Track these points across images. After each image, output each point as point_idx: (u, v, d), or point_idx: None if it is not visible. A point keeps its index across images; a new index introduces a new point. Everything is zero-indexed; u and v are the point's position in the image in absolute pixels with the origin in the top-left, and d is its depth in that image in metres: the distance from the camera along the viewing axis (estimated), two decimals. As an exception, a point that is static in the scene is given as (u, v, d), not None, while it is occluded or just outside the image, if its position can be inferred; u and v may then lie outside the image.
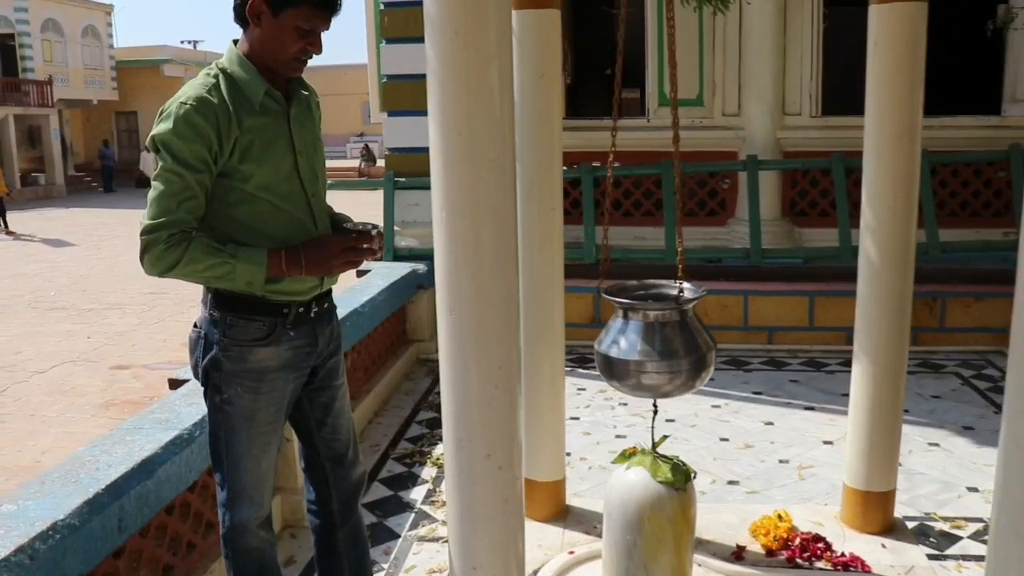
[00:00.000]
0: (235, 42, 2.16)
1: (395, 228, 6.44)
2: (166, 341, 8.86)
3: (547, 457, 3.20)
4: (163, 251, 1.96)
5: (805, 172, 6.58)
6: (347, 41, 20.99)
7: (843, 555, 2.90)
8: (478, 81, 1.70)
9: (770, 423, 5.00)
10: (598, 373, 2.59)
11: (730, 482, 4.19)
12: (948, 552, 3.28)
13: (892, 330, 2.92)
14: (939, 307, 6.23)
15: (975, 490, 4.07)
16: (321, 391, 2.32)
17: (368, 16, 7.23)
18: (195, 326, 2.21)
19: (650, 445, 2.57)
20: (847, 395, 5.57)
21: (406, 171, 6.47)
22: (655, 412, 2.53)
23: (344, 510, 2.39)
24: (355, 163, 33.23)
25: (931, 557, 3.11)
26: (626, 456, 2.56)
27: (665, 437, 2.60)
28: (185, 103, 1.99)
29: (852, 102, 6.82)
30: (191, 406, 3.11)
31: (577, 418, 5.03)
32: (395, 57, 6.31)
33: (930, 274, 6.09)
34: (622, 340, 2.42)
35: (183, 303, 10.43)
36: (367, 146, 33.16)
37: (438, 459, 4.45)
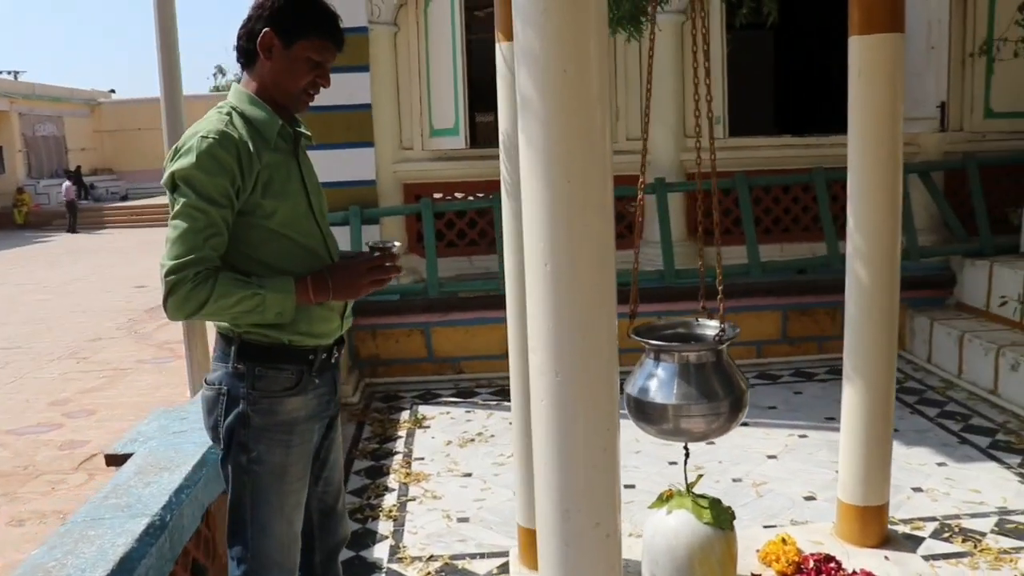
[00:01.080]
0: (237, 82, 2.13)
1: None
2: (29, 402, 8.05)
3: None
4: (190, 291, 1.89)
5: (708, 193, 6.73)
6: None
7: (854, 572, 2.92)
8: (587, 123, 1.57)
9: (711, 442, 5.04)
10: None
11: (693, 506, 4.20)
12: (919, 554, 3.37)
13: (883, 347, 2.98)
14: (840, 316, 6.50)
15: (919, 490, 4.24)
16: (323, 442, 2.25)
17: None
18: (210, 384, 2.11)
19: (663, 486, 2.49)
20: (774, 407, 5.88)
21: (310, 207, 6.16)
22: (687, 455, 2.46)
23: (326, 563, 2.34)
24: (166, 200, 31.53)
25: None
26: (664, 500, 2.47)
27: (700, 476, 2.53)
28: (207, 137, 1.93)
29: (754, 123, 7.15)
30: (149, 486, 2.77)
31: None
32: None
33: (831, 285, 6.37)
34: (656, 383, 2.33)
35: (40, 359, 9.55)
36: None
37: (391, 511, 4.23)
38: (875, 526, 3.11)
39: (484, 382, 6.35)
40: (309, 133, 2.22)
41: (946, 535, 3.75)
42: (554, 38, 1.54)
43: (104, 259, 19.22)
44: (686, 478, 2.48)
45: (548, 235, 1.59)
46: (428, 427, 5.51)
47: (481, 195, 6.49)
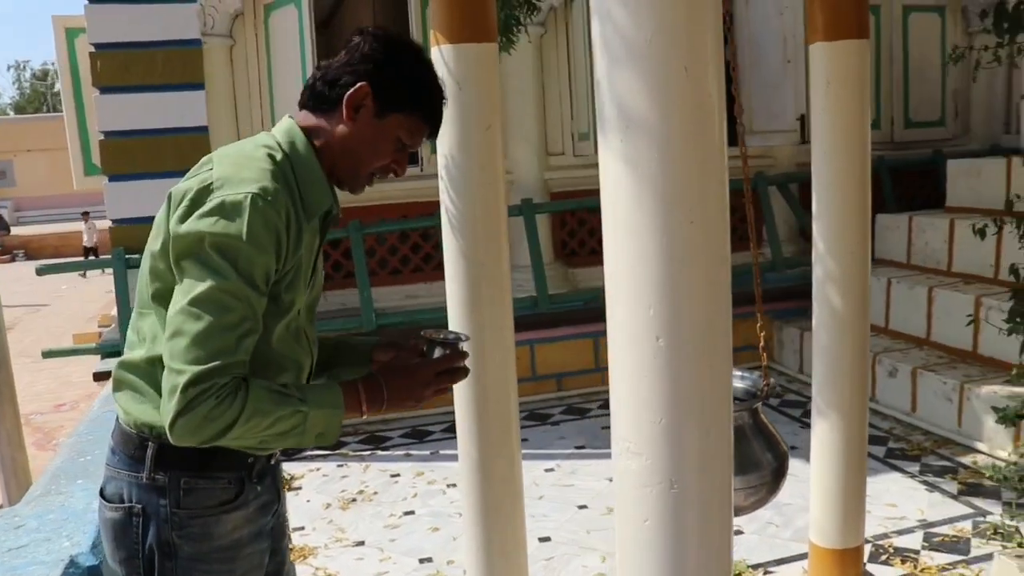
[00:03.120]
0: (299, 111, 1.68)
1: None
2: None
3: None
4: (213, 408, 1.42)
5: (573, 212, 6.50)
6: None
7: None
8: (708, 142, 1.15)
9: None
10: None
11: (621, 555, 3.86)
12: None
13: (857, 380, 2.75)
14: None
15: (840, 512, 4.14)
16: (272, 555, 1.81)
17: (61, 58, 5.91)
18: (112, 502, 1.64)
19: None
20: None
21: (138, 246, 5.32)
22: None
23: None
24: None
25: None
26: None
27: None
28: (260, 195, 1.46)
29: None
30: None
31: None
32: (115, 110, 5.17)
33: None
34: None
35: None
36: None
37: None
38: (853, 569, 2.89)
39: (349, 429, 5.75)
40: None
41: (883, 558, 3.64)
42: (671, 24, 1.11)
43: None
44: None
45: (663, 297, 1.16)
46: (299, 488, 4.86)
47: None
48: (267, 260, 1.48)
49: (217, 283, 1.42)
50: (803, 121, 6.13)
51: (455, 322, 2.47)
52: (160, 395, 1.63)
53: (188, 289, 1.44)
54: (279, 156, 1.57)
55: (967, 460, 4.65)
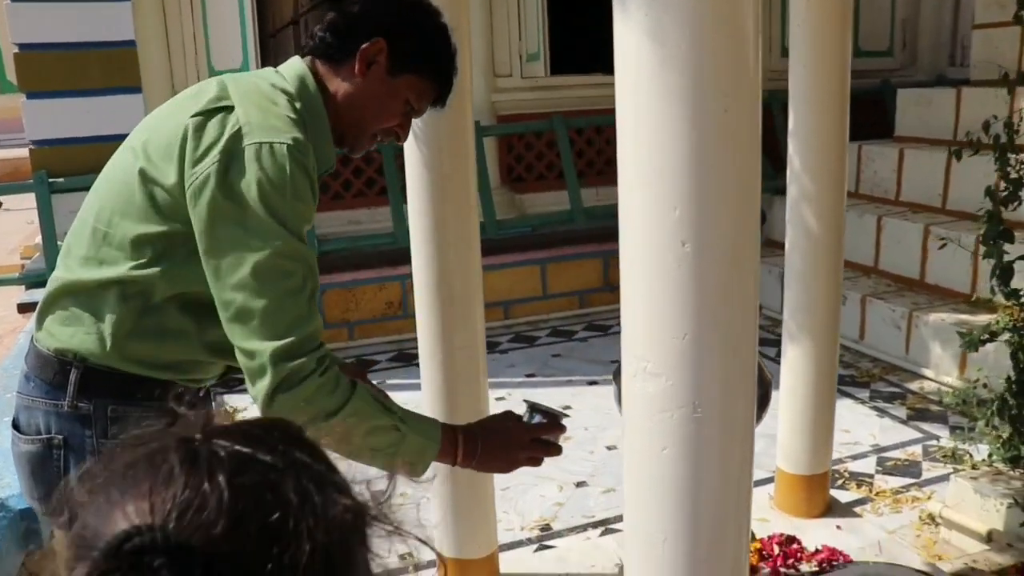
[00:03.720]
0: (302, 59, 1.61)
1: (59, 244, 4.94)
2: None
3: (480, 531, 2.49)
4: (318, 389, 1.36)
5: (521, 136, 6.31)
6: None
7: (817, 551, 2.65)
8: (742, 21, 1.00)
9: (567, 407, 4.68)
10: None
11: (578, 484, 3.82)
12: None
13: (830, 302, 2.68)
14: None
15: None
16: None
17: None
18: (28, 433, 1.53)
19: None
20: (616, 361, 5.60)
21: (62, 169, 4.97)
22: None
23: None
24: None
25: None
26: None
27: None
28: (294, 147, 1.39)
29: (569, 61, 6.78)
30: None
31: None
32: (30, 19, 4.76)
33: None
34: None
35: None
36: None
37: None
38: (820, 495, 2.87)
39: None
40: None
41: (840, 482, 3.66)
42: None
43: None
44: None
45: (690, 197, 1.02)
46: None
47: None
48: (310, 212, 1.43)
49: (272, 248, 1.35)
50: (758, 45, 6.01)
51: (415, 241, 2.30)
52: (99, 320, 1.49)
53: (239, 261, 1.35)
54: (299, 105, 1.49)
55: (914, 386, 4.71)
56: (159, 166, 1.44)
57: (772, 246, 6.42)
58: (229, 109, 1.42)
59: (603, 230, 6.19)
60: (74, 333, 1.50)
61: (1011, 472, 3.12)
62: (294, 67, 1.58)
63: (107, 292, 1.48)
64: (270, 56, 6.94)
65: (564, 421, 1.65)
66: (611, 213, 6.05)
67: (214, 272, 1.40)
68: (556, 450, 1.64)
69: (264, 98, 1.47)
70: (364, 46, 1.54)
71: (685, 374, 1.07)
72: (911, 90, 6.22)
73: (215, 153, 1.37)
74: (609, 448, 4.16)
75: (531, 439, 1.59)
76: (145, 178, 1.45)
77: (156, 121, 1.56)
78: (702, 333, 1.06)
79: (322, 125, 1.56)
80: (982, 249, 4.58)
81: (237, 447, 0.55)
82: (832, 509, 2.91)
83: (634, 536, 1.15)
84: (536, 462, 1.62)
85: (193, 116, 1.43)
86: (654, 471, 1.13)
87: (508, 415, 1.65)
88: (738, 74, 1.01)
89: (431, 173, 2.17)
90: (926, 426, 4.23)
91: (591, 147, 6.50)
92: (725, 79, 1.00)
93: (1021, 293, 2.72)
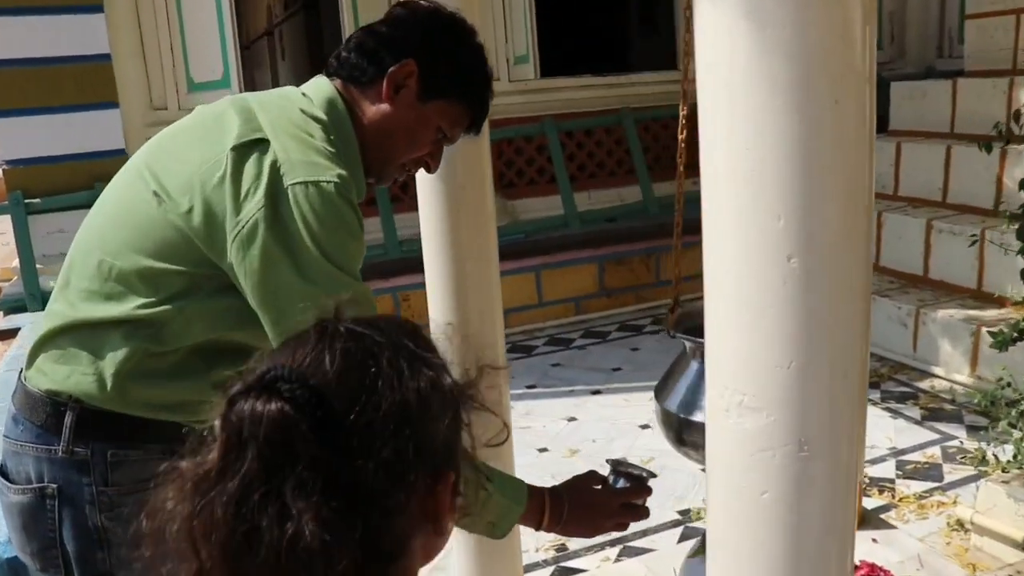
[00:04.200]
0: (331, 80, 1.51)
1: (38, 267, 4.74)
2: None
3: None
4: None
5: (511, 141, 6.16)
6: None
7: (857, 566, 2.52)
8: (851, 2, 0.86)
9: (573, 418, 4.56)
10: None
11: (592, 501, 3.67)
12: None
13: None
14: (655, 263, 6.29)
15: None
16: None
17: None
18: (21, 483, 1.39)
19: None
20: (619, 369, 5.49)
21: (37, 189, 4.77)
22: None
23: None
24: None
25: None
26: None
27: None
28: (331, 182, 1.29)
29: (557, 63, 6.68)
30: None
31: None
32: (2, 35, 4.57)
33: (646, 231, 6.11)
34: (704, 394, 1.69)
35: None
36: None
37: None
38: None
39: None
40: None
41: (862, 488, 3.54)
42: None
43: None
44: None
45: (798, 203, 0.87)
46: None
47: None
48: (362, 249, 1.39)
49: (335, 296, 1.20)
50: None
51: (430, 257, 2.16)
52: (99, 359, 1.37)
53: (301, 312, 1.20)
54: (333, 137, 1.39)
55: (925, 385, 4.60)
56: (177, 201, 1.33)
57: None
58: (263, 143, 1.31)
59: (598, 234, 6.07)
60: (70, 373, 1.37)
61: (1052, 475, 3.01)
62: (323, 90, 1.46)
63: (111, 330, 1.36)
64: (246, 68, 6.76)
65: (650, 481, 1.58)
66: (605, 217, 5.99)
67: (273, 324, 1.32)
68: (644, 513, 1.56)
69: (298, 128, 1.36)
70: (392, 69, 1.43)
71: (791, 408, 0.93)
72: (904, 83, 6.14)
73: (259, 197, 1.26)
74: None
75: (619, 504, 1.52)
76: (162, 213, 1.34)
77: (169, 148, 1.43)
78: (811, 360, 0.92)
79: (353, 154, 1.45)
80: (988, 242, 4.52)
81: (356, 328, 0.75)
82: (865, 521, 2.78)
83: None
84: (623, 527, 1.57)
85: (229, 150, 1.31)
86: (751, 517, 0.98)
87: (593, 476, 1.57)
88: (849, 60, 0.87)
89: (444, 184, 2.02)
90: (942, 426, 4.12)
91: (581, 150, 6.37)
92: (835, 65, 0.86)
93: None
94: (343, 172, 1.32)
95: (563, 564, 3.16)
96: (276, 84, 6.75)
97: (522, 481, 1.49)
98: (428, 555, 0.79)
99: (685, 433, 1.73)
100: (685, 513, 3.46)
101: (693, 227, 5.22)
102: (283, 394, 0.67)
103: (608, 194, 6.39)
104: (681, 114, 1.85)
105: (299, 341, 0.75)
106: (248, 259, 1.28)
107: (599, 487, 1.55)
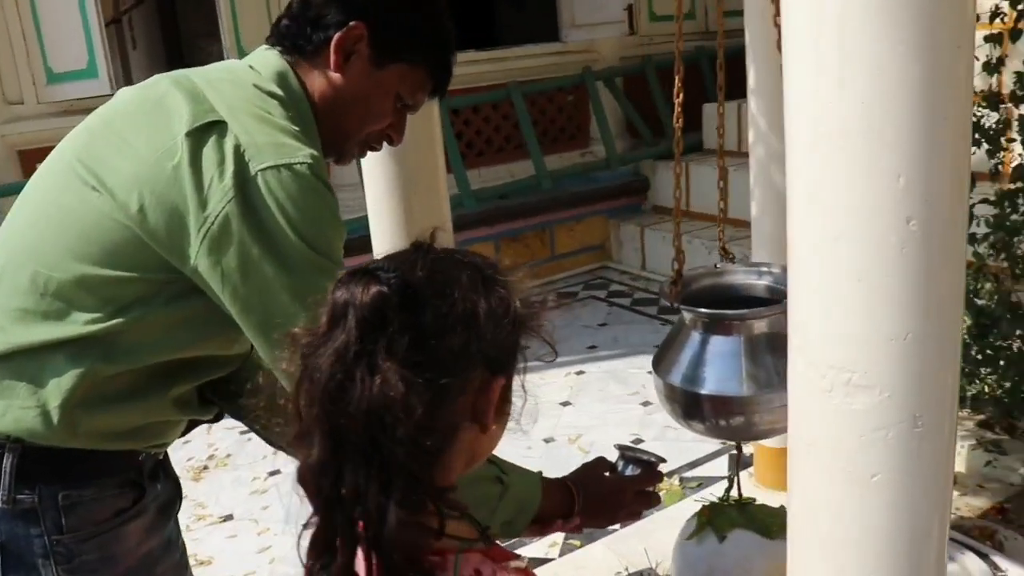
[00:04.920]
0: (279, 53, 1.34)
1: None
2: None
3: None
4: None
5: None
6: None
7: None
8: None
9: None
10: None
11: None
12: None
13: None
14: (549, 237, 6.26)
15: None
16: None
17: None
18: None
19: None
20: (526, 347, 5.36)
21: None
22: (740, 453, 1.83)
23: None
24: None
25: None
26: (705, 522, 1.80)
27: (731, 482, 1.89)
28: (304, 163, 1.15)
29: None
30: None
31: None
32: None
33: (538, 206, 6.06)
34: (715, 368, 1.64)
35: None
36: None
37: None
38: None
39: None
40: None
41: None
42: None
43: None
44: (738, 485, 1.84)
45: (919, 160, 0.79)
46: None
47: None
48: (344, 232, 1.23)
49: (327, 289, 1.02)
50: (631, 11, 5.91)
51: (377, 240, 2.00)
52: (39, 389, 1.20)
53: (292, 309, 1.11)
54: (291, 113, 1.24)
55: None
56: (123, 200, 1.17)
57: (660, 211, 6.41)
58: (219, 125, 1.16)
59: (492, 212, 5.96)
60: (5, 409, 1.21)
61: (961, 413, 3.14)
62: (270, 63, 1.30)
63: (53, 353, 1.20)
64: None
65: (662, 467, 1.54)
66: (498, 195, 5.87)
67: (258, 326, 1.17)
68: (656, 500, 1.51)
69: (255, 106, 1.21)
70: (339, 34, 1.27)
71: (906, 382, 0.86)
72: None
73: (226, 186, 1.12)
74: (547, 441, 3.94)
75: (632, 492, 1.47)
76: (106, 213, 1.18)
77: (105, 137, 1.24)
78: (926, 330, 0.85)
79: (312, 132, 1.29)
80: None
81: (446, 249, 0.91)
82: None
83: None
84: (637, 516, 1.51)
85: (183, 136, 1.15)
86: (860, 502, 0.91)
87: (601, 464, 1.51)
88: (964, 4, 0.80)
89: (397, 165, 1.87)
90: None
91: (469, 127, 6.24)
92: (956, 5, 0.78)
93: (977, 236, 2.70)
94: (314, 152, 1.19)
95: (517, 550, 3.06)
96: (129, 77, 6.26)
97: (530, 471, 1.42)
98: (474, 455, 0.91)
99: (692, 407, 1.67)
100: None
101: (577, 200, 5.28)
102: (380, 279, 0.81)
103: (498, 171, 6.30)
104: (677, 77, 1.75)
105: (398, 252, 0.89)
106: (224, 259, 1.13)
107: (611, 476, 1.50)
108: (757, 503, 1.84)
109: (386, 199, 1.89)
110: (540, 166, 5.95)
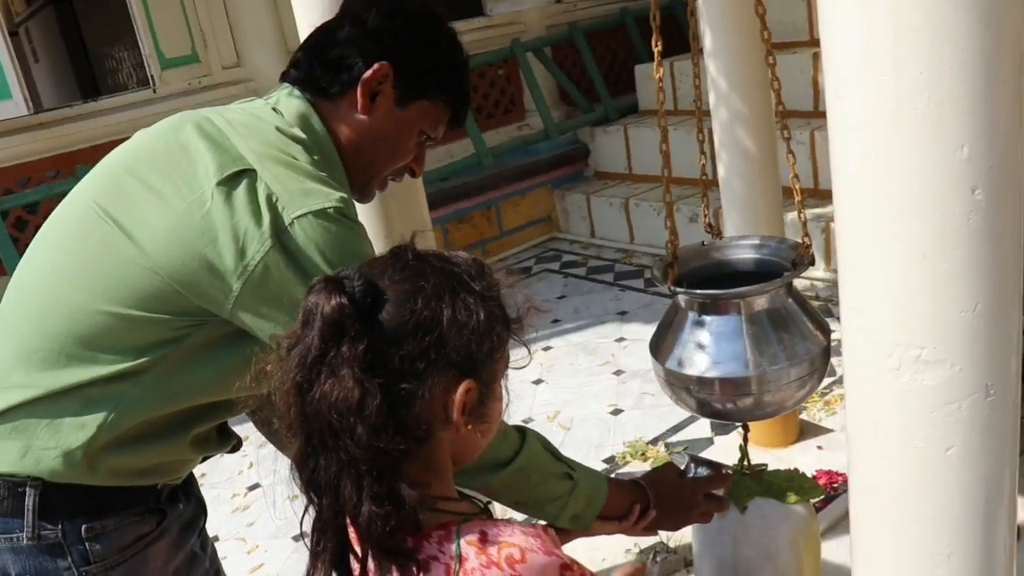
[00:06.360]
0: (303, 96, 1.32)
1: None
2: None
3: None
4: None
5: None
6: None
7: (815, 475, 2.58)
8: None
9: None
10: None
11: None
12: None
13: (772, 222, 2.57)
14: (496, 214, 6.20)
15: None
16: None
17: None
18: None
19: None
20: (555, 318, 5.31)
21: None
22: (746, 434, 1.81)
23: None
24: None
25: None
26: (723, 495, 1.79)
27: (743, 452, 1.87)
28: (335, 207, 1.16)
29: None
30: None
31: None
32: None
33: (481, 185, 5.99)
34: (718, 350, 1.61)
35: None
36: None
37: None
38: (791, 419, 2.80)
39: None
40: None
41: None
42: None
43: None
44: (749, 461, 1.82)
45: (984, 127, 0.77)
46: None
47: (54, 175, 4.75)
48: None
49: None
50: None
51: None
52: (58, 432, 1.20)
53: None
54: (316, 157, 1.25)
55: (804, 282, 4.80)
56: (153, 253, 1.17)
57: (603, 177, 6.40)
58: (248, 173, 1.17)
59: (436, 195, 5.84)
60: (25, 450, 1.22)
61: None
62: (294, 105, 1.30)
63: (73, 396, 1.21)
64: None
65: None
66: (439, 177, 5.72)
67: None
68: (725, 504, 1.59)
69: (280, 152, 1.21)
70: (366, 75, 1.28)
71: (977, 354, 0.84)
72: None
73: (263, 235, 1.13)
74: (525, 421, 3.92)
75: (702, 494, 1.55)
76: (134, 260, 1.18)
77: (129, 185, 1.23)
78: (994, 299, 0.83)
79: (339, 174, 1.31)
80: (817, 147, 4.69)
81: (423, 254, 0.94)
82: (805, 431, 2.85)
83: (908, 555, 0.91)
84: (707, 518, 1.57)
85: (214, 187, 1.15)
86: (935, 476, 0.90)
87: (671, 467, 1.59)
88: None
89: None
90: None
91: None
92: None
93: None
94: (343, 195, 1.19)
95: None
96: (35, 92, 5.97)
97: (595, 471, 1.49)
98: (462, 453, 0.97)
99: (695, 391, 1.64)
100: (610, 460, 3.43)
101: (520, 174, 5.23)
102: (344, 288, 0.86)
103: (437, 152, 6.19)
104: (656, 51, 1.71)
105: (376, 259, 0.94)
106: (266, 303, 1.16)
107: (681, 479, 1.58)
108: (769, 469, 1.83)
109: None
110: (480, 144, 5.87)
